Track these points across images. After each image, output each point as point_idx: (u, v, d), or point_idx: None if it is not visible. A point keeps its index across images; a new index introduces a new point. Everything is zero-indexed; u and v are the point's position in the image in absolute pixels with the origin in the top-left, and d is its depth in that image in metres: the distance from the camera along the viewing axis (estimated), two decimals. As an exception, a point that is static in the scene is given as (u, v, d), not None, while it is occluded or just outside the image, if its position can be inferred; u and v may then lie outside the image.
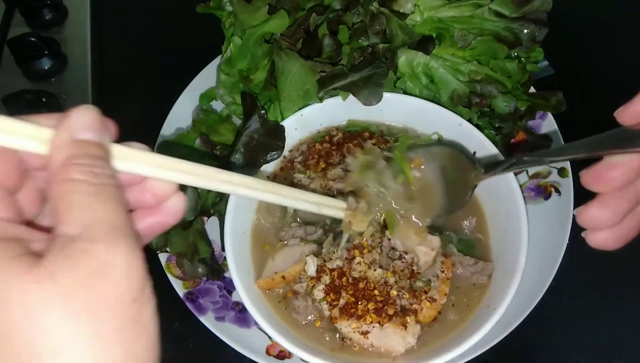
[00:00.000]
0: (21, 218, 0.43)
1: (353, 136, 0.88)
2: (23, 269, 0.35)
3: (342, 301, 0.75)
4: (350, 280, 0.76)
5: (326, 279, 0.76)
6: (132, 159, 0.45)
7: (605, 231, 0.51)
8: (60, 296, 0.35)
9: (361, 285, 0.75)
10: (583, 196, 0.86)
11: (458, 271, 0.79)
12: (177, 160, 0.47)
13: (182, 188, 0.48)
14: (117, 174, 0.43)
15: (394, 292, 0.75)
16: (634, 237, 0.53)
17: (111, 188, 0.40)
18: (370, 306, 0.74)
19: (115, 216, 0.39)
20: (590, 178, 0.50)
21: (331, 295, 0.76)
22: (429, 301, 0.75)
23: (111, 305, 0.36)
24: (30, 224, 0.44)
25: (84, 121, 0.41)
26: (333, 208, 0.74)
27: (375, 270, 0.76)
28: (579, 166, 0.91)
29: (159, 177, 0.46)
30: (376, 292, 0.75)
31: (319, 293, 0.76)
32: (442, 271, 0.78)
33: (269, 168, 0.87)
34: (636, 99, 0.50)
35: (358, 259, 0.77)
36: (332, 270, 0.77)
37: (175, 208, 0.47)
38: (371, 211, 0.78)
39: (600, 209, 0.50)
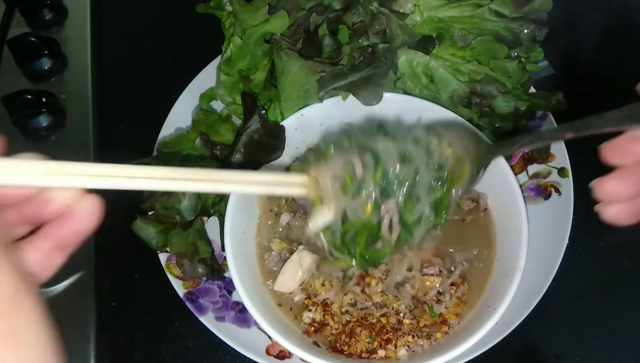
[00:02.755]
0: None
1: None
2: None
3: (329, 337, 0.77)
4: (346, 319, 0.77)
5: (317, 315, 0.77)
6: (16, 172, 0.41)
7: (620, 204, 0.50)
8: None
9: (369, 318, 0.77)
10: (583, 196, 0.87)
11: None
12: (73, 164, 0.43)
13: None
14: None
15: (406, 320, 0.76)
16: None
17: None
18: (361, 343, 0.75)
19: None
20: (611, 149, 0.49)
21: (314, 327, 0.77)
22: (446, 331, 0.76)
23: None
24: None
25: None
26: (289, 185, 0.63)
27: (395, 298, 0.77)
28: (579, 166, 0.91)
29: (52, 185, 0.42)
30: (388, 328, 0.76)
31: (306, 317, 0.78)
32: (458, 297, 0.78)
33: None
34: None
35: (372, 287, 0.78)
36: (325, 305, 0.78)
37: (86, 212, 0.43)
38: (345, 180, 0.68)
39: (619, 183, 0.49)
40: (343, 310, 0.77)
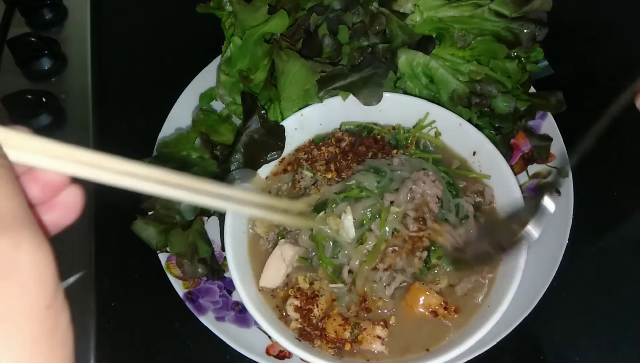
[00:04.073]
0: None
1: (358, 144, 0.87)
2: None
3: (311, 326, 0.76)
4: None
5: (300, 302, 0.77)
6: (15, 146, 0.36)
7: None
8: None
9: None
10: (583, 196, 0.87)
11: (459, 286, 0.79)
12: (69, 147, 0.39)
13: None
14: None
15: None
16: None
17: (5, 169, 0.34)
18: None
19: (14, 203, 0.32)
20: None
21: (301, 315, 0.77)
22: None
23: (22, 314, 0.31)
24: None
25: None
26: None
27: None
28: (579, 166, 0.91)
29: (47, 167, 0.38)
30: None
31: (290, 307, 0.77)
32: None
33: (268, 167, 0.87)
34: None
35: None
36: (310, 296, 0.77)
37: (70, 203, 0.39)
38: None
39: None
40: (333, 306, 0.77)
